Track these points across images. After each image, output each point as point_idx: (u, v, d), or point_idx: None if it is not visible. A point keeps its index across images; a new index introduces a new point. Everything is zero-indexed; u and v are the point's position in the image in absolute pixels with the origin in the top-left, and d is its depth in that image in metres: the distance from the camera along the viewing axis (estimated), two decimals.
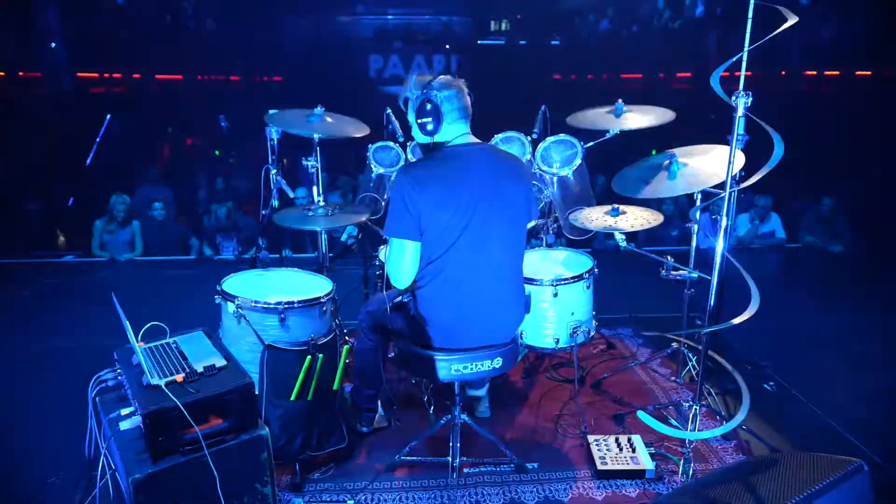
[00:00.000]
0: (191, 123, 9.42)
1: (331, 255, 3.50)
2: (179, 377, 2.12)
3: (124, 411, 2.06)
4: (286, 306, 2.51)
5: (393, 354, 2.67)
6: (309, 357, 2.48)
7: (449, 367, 2.29)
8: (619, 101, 3.24)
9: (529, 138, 3.36)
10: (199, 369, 2.17)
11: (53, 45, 7.97)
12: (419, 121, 2.22)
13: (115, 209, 6.07)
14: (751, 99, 2.30)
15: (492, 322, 2.33)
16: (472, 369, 2.31)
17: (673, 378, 3.41)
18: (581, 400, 3.16)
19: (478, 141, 2.34)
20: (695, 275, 3.05)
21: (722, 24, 9.02)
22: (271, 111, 3.06)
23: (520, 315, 2.41)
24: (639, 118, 3.24)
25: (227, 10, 11.63)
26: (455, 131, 2.29)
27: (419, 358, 2.33)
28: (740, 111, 2.32)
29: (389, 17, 15.59)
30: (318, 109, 3.05)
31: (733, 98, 2.32)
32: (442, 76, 2.27)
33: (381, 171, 3.34)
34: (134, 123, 8.96)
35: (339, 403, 2.67)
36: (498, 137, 3.40)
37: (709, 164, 2.70)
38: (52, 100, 7.82)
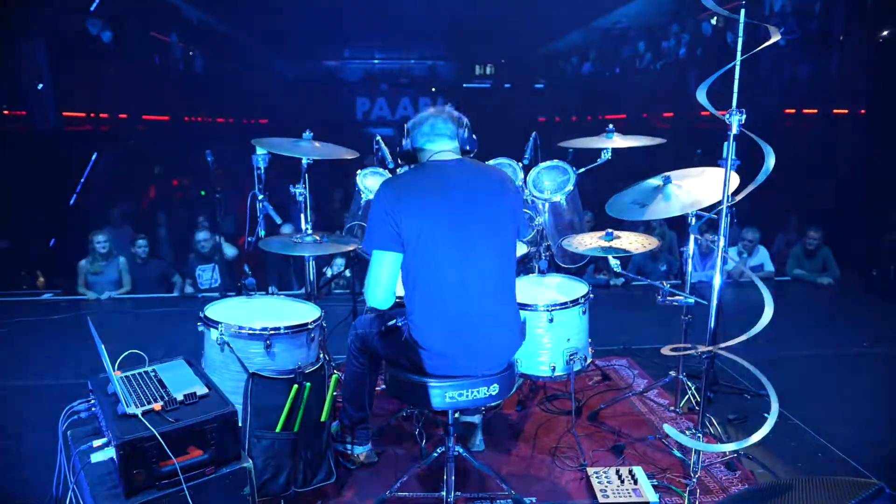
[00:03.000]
0: (177, 164, 9.37)
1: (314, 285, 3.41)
2: (157, 406, 2.00)
3: (96, 443, 1.94)
4: (272, 332, 2.40)
5: (384, 386, 2.55)
6: (296, 386, 2.37)
7: (443, 395, 2.19)
8: (610, 125, 3.24)
9: (520, 164, 3.34)
10: (179, 397, 2.05)
11: (41, 86, 7.96)
12: (412, 132, 2.26)
13: (97, 244, 5.94)
14: (744, 116, 2.29)
15: (487, 347, 2.23)
16: (467, 396, 2.20)
17: (672, 408, 3.31)
18: (578, 432, 3.05)
19: (459, 157, 2.30)
20: (691, 300, 2.99)
21: (702, 64, 9.25)
22: (258, 138, 3.01)
23: (516, 338, 2.32)
24: (629, 139, 3.23)
25: (214, 52, 11.79)
26: (436, 147, 2.27)
27: (411, 385, 2.23)
28: (734, 129, 2.30)
29: (376, 61, 15.93)
30: (307, 134, 3.00)
31: (727, 116, 2.31)
32: (442, 109, 2.32)
33: (371, 197, 3.28)
34: (119, 164, 8.90)
35: (326, 436, 2.54)
36: (488, 163, 3.37)
37: (703, 186, 2.68)
38: (37, 138, 7.76)
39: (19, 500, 2.59)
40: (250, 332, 2.42)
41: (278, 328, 2.42)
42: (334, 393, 2.54)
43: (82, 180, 8.64)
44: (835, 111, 8.02)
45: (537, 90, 14.79)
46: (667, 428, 2.25)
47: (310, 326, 2.50)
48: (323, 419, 2.50)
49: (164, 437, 1.88)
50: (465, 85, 15.59)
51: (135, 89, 9.12)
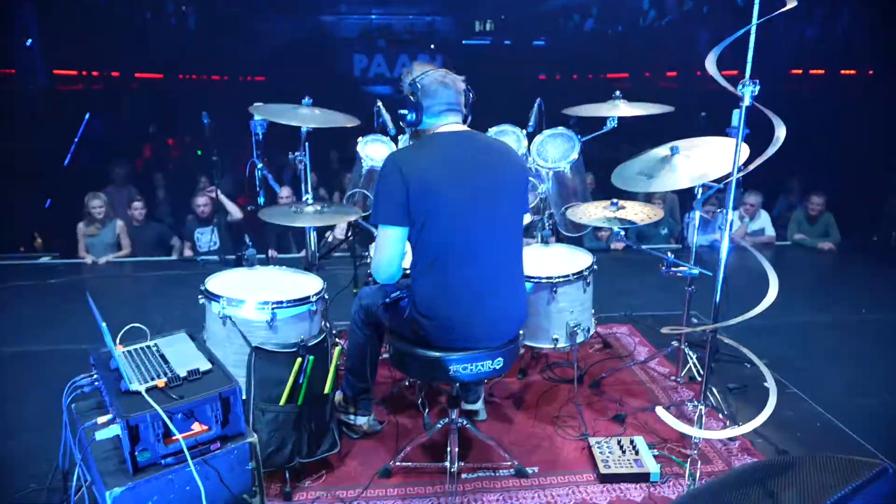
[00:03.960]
0: (172, 123, 9.21)
1: (317, 254, 3.38)
2: (161, 382, 1.99)
3: (101, 419, 1.92)
4: (274, 306, 2.38)
5: (388, 355, 2.54)
6: (299, 359, 2.36)
7: (447, 368, 2.18)
8: (617, 92, 3.17)
9: (525, 132, 3.27)
10: (182, 373, 2.04)
11: (29, 41, 7.74)
12: (399, 111, 2.18)
13: (92, 209, 5.88)
14: (758, 87, 2.22)
15: (493, 320, 2.23)
16: (471, 370, 2.20)
17: (673, 378, 3.33)
18: (580, 401, 3.07)
19: (466, 129, 2.25)
20: (695, 271, 2.98)
21: (709, 22, 9.02)
22: (256, 104, 2.93)
23: (522, 312, 2.31)
24: (635, 107, 3.16)
25: (208, 8, 11.46)
26: (441, 121, 2.22)
27: (415, 358, 2.22)
28: (746, 101, 2.24)
29: (373, 16, 15.53)
30: (307, 100, 2.92)
31: (739, 87, 2.24)
32: (434, 70, 2.21)
33: (372, 164, 3.22)
34: (113, 123, 8.75)
35: (330, 408, 2.55)
36: (492, 130, 3.31)
37: (711, 156, 2.63)
38: (27, 98, 7.59)
39: (21, 471, 2.60)
40: (253, 305, 2.39)
41: (281, 302, 2.40)
42: (338, 364, 2.54)
43: (76, 140, 8.50)
44: (842, 72, 7.88)
45: (538, 48, 14.47)
46: (659, 411, 2.25)
47: (312, 299, 2.48)
48: (326, 391, 2.50)
49: (169, 415, 1.87)
50: (464, 42, 15.25)
51: (127, 46, 8.89)
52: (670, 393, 3.23)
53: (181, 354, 2.18)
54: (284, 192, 6.51)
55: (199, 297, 2.53)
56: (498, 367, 2.25)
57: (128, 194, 7.27)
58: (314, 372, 2.42)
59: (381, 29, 15.52)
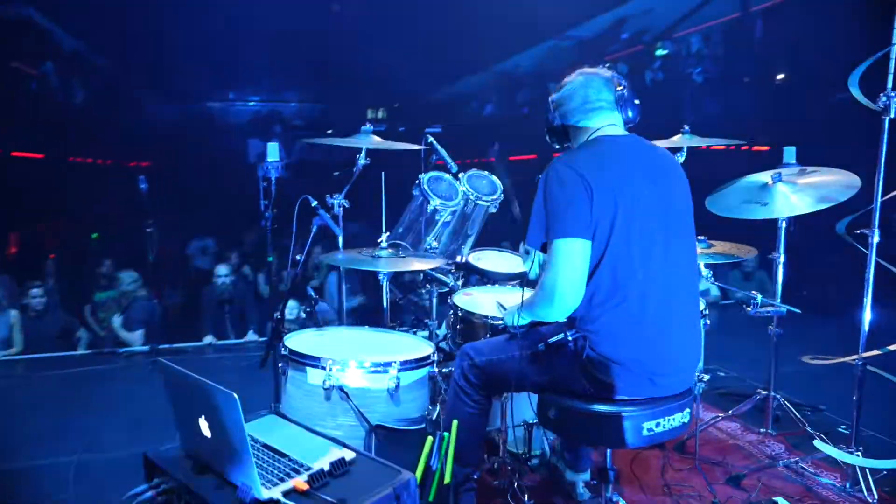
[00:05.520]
0: (57, 206, 8.04)
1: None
2: (300, 483, 1.36)
3: None
4: (399, 369, 1.81)
5: (537, 418, 2.00)
6: (430, 438, 1.79)
7: (639, 427, 1.73)
8: (686, 126, 3.05)
9: None
10: (324, 467, 1.42)
11: None
12: (561, 108, 1.94)
13: None
14: None
15: (686, 355, 1.86)
16: (663, 426, 1.77)
17: (762, 430, 3.04)
18: (677, 465, 2.69)
19: (627, 133, 1.97)
20: (783, 309, 2.81)
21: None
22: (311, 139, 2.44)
23: (700, 352, 1.95)
24: (704, 140, 3.06)
25: (92, 86, 10.51)
26: (598, 123, 1.93)
27: (594, 418, 1.75)
28: (892, 113, 2.14)
29: (264, 103, 15.20)
30: (367, 128, 2.48)
31: (879, 101, 2.15)
32: (589, 69, 1.96)
33: (437, 203, 2.75)
34: None
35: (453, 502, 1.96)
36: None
37: (822, 182, 2.51)
38: None
39: None
40: (364, 370, 1.80)
41: (407, 362, 1.83)
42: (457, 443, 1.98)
43: None
44: (731, 147, 8.63)
45: (433, 133, 14.73)
46: (818, 444, 1.95)
47: (433, 358, 1.93)
48: (447, 480, 1.92)
49: None
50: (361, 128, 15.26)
51: (6, 121, 7.76)
52: (760, 447, 2.95)
53: (294, 442, 1.56)
54: (221, 272, 5.77)
55: (281, 363, 1.88)
56: (686, 422, 1.85)
57: (4, 283, 6.08)
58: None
59: (272, 115, 15.19)
